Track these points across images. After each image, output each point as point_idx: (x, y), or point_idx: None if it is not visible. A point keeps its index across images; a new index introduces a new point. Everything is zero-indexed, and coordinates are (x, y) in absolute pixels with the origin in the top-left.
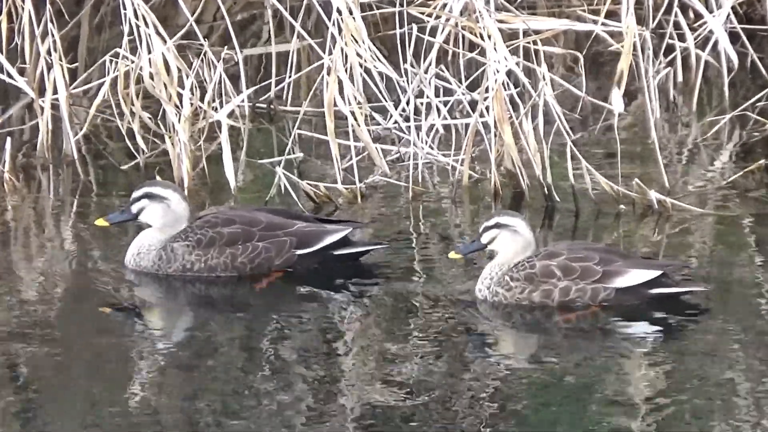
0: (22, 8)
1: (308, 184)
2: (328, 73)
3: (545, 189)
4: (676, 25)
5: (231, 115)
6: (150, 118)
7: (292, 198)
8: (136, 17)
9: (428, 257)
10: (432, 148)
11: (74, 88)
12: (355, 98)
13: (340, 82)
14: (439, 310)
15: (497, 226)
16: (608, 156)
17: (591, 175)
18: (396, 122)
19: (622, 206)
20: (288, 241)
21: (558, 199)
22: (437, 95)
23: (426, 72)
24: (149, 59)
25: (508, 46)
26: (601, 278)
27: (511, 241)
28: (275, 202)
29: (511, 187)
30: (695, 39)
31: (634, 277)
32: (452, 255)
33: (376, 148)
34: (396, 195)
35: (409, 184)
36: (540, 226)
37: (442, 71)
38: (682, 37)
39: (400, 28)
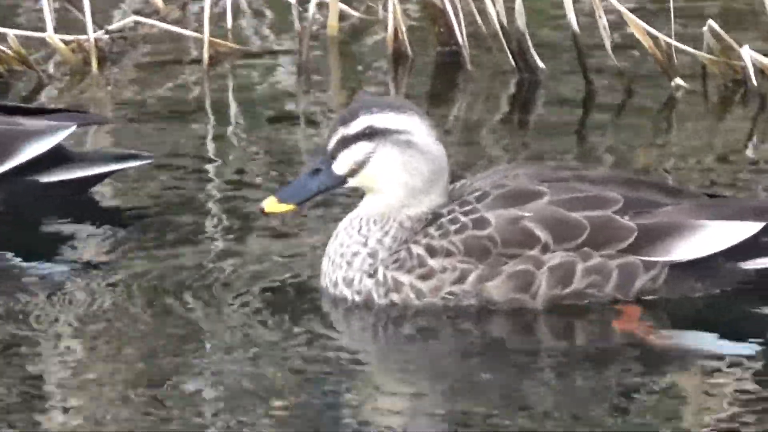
0: None
1: None
2: None
3: (511, 42)
4: None
5: None
6: None
7: None
8: None
9: (241, 185)
10: None
11: None
12: None
13: None
14: (263, 305)
15: (369, 134)
16: None
17: (611, 11)
18: None
19: (677, 79)
20: None
21: (541, 64)
22: None
23: None
24: None
25: None
26: (637, 242)
27: (400, 165)
28: None
29: (434, 38)
30: None
31: (715, 236)
32: (268, 206)
33: None
34: (179, 55)
35: (203, 35)
36: (500, 123)
37: None
38: None
39: None
